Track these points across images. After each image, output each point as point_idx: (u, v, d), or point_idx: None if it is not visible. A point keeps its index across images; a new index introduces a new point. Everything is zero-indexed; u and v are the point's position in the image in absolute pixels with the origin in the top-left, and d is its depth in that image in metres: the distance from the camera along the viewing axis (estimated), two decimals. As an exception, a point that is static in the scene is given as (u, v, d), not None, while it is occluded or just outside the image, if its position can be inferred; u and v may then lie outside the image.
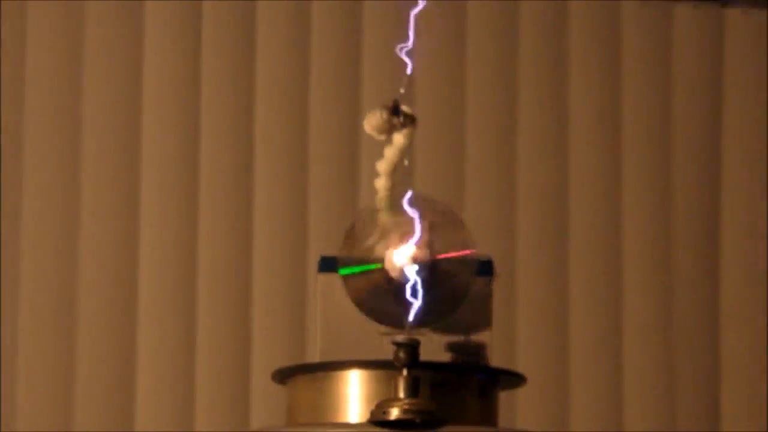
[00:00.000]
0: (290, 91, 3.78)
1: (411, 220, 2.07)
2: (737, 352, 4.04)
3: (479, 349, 2.11)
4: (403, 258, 2.09)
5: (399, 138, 2.12)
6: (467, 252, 2.13)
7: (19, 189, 3.90)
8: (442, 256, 2.11)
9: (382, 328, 2.10)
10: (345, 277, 2.12)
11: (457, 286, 2.12)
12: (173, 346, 3.74)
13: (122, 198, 3.90)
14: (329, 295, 2.14)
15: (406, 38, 2.19)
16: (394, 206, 2.11)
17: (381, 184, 2.14)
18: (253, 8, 3.91)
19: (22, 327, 3.83)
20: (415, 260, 2.09)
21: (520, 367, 2.26)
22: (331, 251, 2.15)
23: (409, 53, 2.19)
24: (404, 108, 2.12)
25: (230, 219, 3.73)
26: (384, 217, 2.12)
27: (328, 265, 2.14)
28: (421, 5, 2.13)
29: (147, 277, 3.82)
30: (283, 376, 2.13)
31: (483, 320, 2.13)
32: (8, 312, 3.82)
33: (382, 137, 2.13)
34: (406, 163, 2.14)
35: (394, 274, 2.09)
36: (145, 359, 3.78)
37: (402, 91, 2.13)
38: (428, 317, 2.08)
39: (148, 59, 3.95)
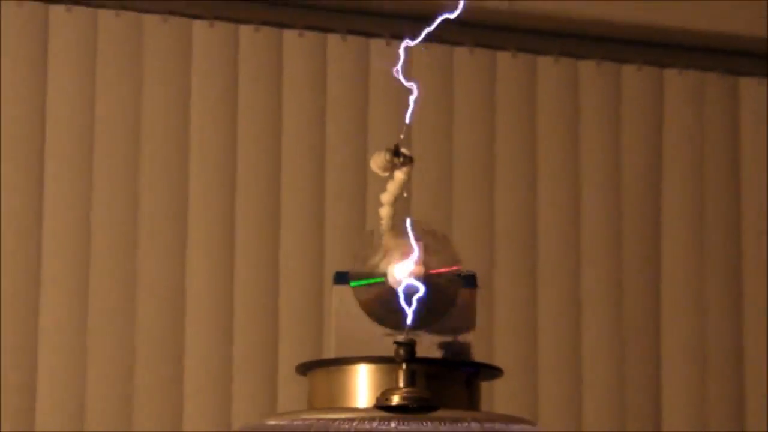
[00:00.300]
0: (310, 137, 3.83)
1: (409, 242, 2.06)
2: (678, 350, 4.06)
3: (464, 347, 2.10)
4: (402, 273, 2.07)
5: (399, 175, 2.12)
6: (455, 268, 2.12)
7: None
8: (434, 271, 2.09)
9: (385, 330, 2.08)
10: (355, 289, 2.11)
11: (446, 296, 2.10)
12: (217, 347, 3.74)
13: (173, 209, 3.83)
14: (342, 303, 2.12)
15: (405, 98, 2.20)
16: (395, 230, 2.10)
17: (384, 212, 2.12)
18: (280, 53, 3.87)
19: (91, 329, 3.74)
20: (412, 275, 2.07)
21: (498, 362, 2.25)
22: (344, 267, 2.14)
23: (408, 109, 2.20)
24: (403, 150, 2.11)
25: (262, 243, 3.77)
26: (387, 240, 2.11)
27: (341, 278, 2.13)
28: (415, 90, 2.13)
29: (195, 292, 3.77)
30: (305, 369, 2.11)
31: (468, 323, 2.12)
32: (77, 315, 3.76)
33: (386, 174, 2.13)
34: (405, 195, 2.13)
35: (395, 286, 2.07)
36: (193, 359, 3.75)
37: (402, 136, 2.13)
38: (422, 321, 2.06)
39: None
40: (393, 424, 1.94)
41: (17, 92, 3.82)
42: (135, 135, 3.84)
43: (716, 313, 4.16)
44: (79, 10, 3.85)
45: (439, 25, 3.83)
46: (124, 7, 3.87)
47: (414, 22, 2.22)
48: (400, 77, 2.18)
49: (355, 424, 1.94)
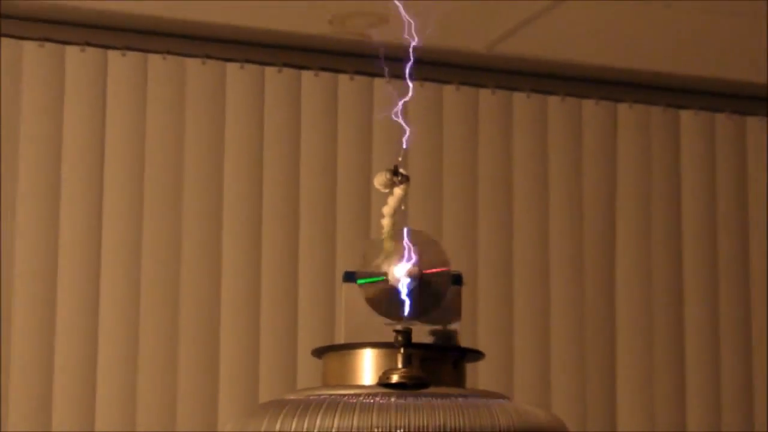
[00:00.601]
0: (324, 162, 3.84)
1: (406, 247, 2.06)
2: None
3: (452, 334, 2.08)
4: (400, 273, 2.06)
5: (398, 191, 2.11)
6: (444, 269, 2.10)
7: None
8: (427, 271, 2.08)
9: (386, 321, 2.06)
10: (361, 286, 2.09)
11: (437, 292, 2.08)
12: (247, 337, 3.75)
13: (207, 227, 3.80)
14: (350, 298, 2.09)
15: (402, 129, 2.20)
16: (395, 237, 2.08)
17: (386, 222, 2.11)
18: (298, 92, 3.85)
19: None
20: (409, 274, 2.06)
21: (480, 347, 2.25)
22: (352, 268, 2.12)
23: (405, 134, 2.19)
24: (401, 170, 2.11)
25: (284, 250, 3.79)
26: (387, 245, 2.09)
27: (350, 277, 2.10)
28: (408, 129, 2.12)
29: (229, 294, 3.80)
30: (320, 352, 2.09)
31: (455, 315, 2.10)
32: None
33: (387, 191, 2.12)
34: (402, 208, 2.11)
35: (394, 283, 2.07)
36: (227, 348, 3.75)
37: (399, 159, 2.12)
38: (417, 313, 2.06)
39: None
40: (393, 399, 1.91)
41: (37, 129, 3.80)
42: (179, 156, 3.81)
43: (661, 301, 4.17)
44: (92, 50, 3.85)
45: (431, 67, 3.80)
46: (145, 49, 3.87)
47: (416, 65, 2.20)
48: (399, 116, 2.17)
49: (361, 398, 1.92)
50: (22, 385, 3.67)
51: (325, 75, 3.81)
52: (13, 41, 3.76)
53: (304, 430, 1.89)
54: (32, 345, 3.69)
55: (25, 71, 3.77)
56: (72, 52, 3.79)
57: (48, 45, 3.78)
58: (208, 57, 3.81)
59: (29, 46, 3.77)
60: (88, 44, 3.80)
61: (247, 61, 3.82)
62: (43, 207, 3.73)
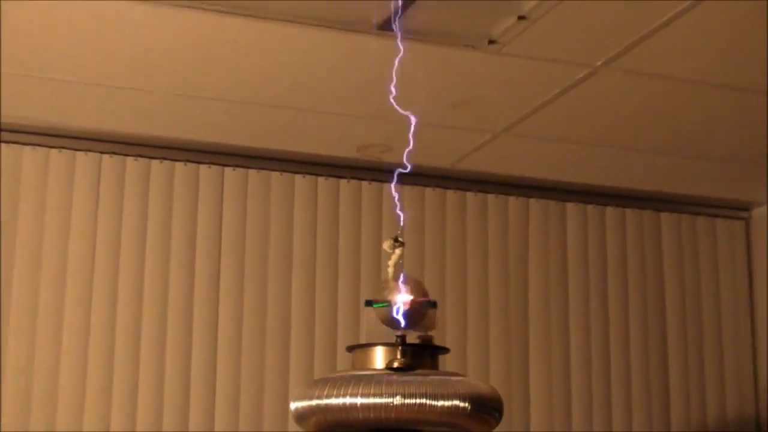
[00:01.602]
0: (356, 237, 3.65)
1: (403, 285, 2.06)
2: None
3: (430, 338, 2.05)
4: (399, 300, 2.05)
5: (398, 251, 2.12)
6: (425, 298, 2.07)
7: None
8: (415, 300, 2.05)
9: (391, 330, 2.03)
10: (375, 309, 2.05)
11: (421, 312, 2.06)
12: (308, 343, 3.50)
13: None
14: (369, 316, 2.07)
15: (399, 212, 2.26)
16: (395, 279, 2.07)
17: (390, 270, 2.12)
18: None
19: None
20: (404, 302, 2.05)
21: (448, 344, 2.24)
22: (370, 298, 2.10)
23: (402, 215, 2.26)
24: (400, 239, 2.13)
25: (327, 290, 3.56)
26: (391, 284, 2.08)
27: (368, 303, 2.08)
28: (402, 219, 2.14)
29: (298, 308, 3.53)
30: (350, 349, 2.08)
31: (432, 326, 2.07)
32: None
33: (390, 251, 2.13)
34: (400, 261, 2.12)
35: (395, 307, 2.04)
36: (299, 348, 3.50)
37: (399, 231, 2.15)
38: (409, 325, 2.03)
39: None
40: (394, 376, 1.92)
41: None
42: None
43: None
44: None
45: (415, 177, 3.75)
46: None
47: (405, 176, 2.23)
48: (397, 206, 2.22)
49: (375, 376, 1.93)
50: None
51: (354, 182, 3.69)
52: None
53: (341, 393, 1.89)
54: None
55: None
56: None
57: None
58: (283, 171, 3.60)
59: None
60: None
61: (298, 172, 3.62)
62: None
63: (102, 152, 3.41)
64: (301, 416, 1.97)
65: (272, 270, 3.55)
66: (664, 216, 4.01)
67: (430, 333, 2.07)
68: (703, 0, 2.49)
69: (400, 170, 2.21)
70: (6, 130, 3.29)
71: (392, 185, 2.22)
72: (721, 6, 2.52)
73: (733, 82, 2.98)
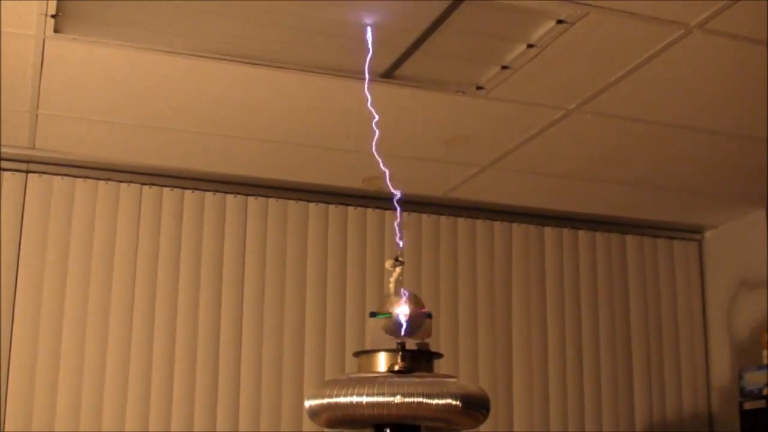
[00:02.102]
0: (361, 258, 3.60)
1: (403, 298, 2.06)
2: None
3: (426, 344, 2.05)
4: (400, 312, 2.05)
5: (398, 269, 2.12)
6: (423, 310, 2.08)
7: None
8: (414, 311, 2.05)
9: (392, 337, 2.02)
10: (378, 319, 2.05)
11: (419, 322, 2.06)
12: (313, 349, 3.45)
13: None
14: (372, 326, 2.06)
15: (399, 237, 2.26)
16: (396, 293, 2.07)
17: (391, 286, 2.11)
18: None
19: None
20: (404, 313, 2.04)
21: (442, 350, 2.23)
22: (374, 309, 2.13)
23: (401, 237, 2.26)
24: (400, 258, 2.12)
25: (337, 303, 3.52)
26: (392, 297, 2.08)
27: (373, 314, 2.08)
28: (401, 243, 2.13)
29: (312, 318, 3.48)
30: (357, 354, 2.07)
31: (428, 335, 2.06)
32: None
33: (392, 269, 2.13)
34: (401, 279, 2.12)
35: (396, 318, 2.04)
36: (312, 353, 3.44)
37: (399, 251, 2.15)
38: (408, 333, 2.03)
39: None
40: (395, 378, 1.92)
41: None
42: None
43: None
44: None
45: (412, 205, 3.69)
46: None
47: (404, 203, 2.25)
48: (398, 231, 2.21)
49: (378, 378, 1.93)
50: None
51: (360, 209, 3.64)
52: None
53: (349, 393, 1.88)
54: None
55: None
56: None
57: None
58: (299, 200, 3.57)
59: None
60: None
61: (311, 201, 3.58)
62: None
63: (120, 181, 3.34)
64: (315, 413, 1.96)
65: (289, 286, 3.52)
66: (629, 238, 4.02)
67: (426, 340, 2.06)
68: (662, 52, 2.50)
69: (400, 199, 2.20)
70: (36, 162, 3.25)
71: (396, 212, 2.21)
72: (679, 58, 2.52)
73: (689, 123, 2.99)
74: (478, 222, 3.80)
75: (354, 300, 3.59)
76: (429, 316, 2.09)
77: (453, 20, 2.34)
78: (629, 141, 3.14)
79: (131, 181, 3.38)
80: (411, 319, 2.05)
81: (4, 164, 3.22)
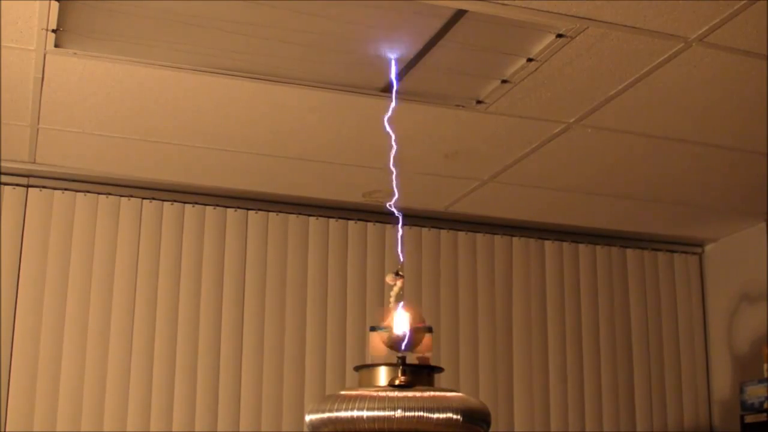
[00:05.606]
0: (362, 271, 3.60)
1: (402, 312, 2.05)
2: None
3: (427, 358, 2.05)
4: (400, 325, 2.05)
5: (399, 283, 2.12)
6: (422, 324, 2.07)
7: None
8: (413, 325, 2.05)
9: (392, 351, 2.03)
10: (378, 333, 2.05)
11: (419, 336, 2.06)
12: (315, 362, 3.44)
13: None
14: (373, 339, 2.06)
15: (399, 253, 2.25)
16: (396, 307, 2.07)
17: (392, 300, 2.11)
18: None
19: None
20: (405, 327, 2.04)
21: (443, 364, 2.21)
22: (374, 323, 2.11)
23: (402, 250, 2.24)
24: (400, 272, 2.12)
25: (338, 318, 3.51)
26: (392, 311, 2.07)
27: (373, 329, 2.08)
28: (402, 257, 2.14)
29: (312, 334, 3.48)
30: (357, 368, 2.08)
31: (428, 349, 2.06)
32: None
33: (392, 283, 2.13)
34: (401, 292, 2.11)
35: (396, 332, 2.04)
36: (313, 368, 3.44)
37: (399, 266, 2.15)
38: (408, 347, 2.03)
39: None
40: (395, 392, 1.92)
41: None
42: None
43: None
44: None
45: (412, 218, 3.68)
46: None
47: (405, 217, 2.25)
48: (398, 244, 2.20)
49: (379, 392, 1.93)
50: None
51: (360, 223, 3.64)
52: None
53: (350, 407, 1.88)
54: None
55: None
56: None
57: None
58: (299, 214, 3.56)
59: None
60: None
61: (312, 215, 3.59)
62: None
63: (121, 195, 3.36)
64: (316, 427, 1.96)
65: (290, 299, 3.52)
66: (629, 252, 4.02)
67: (426, 354, 2.06)
68: (662, 66, 2.51)
69: (399, 213, 2.20)
70: (37, 176, 3.26)
71: (391, 226, 2.21)
72: (678, 71, 2.54)
73: (689, 136, 3.00)
74: (479, 236, 3.80)
75: (354, 314, 3.58)
76: (429, 330, 2.09)
77: (453, 35, 2.35)
78: (629, 154, 3.15)
79: (132, 195, 3.39)
80: (411, 333, 2.04)
81: (5, 178, 3.23)
